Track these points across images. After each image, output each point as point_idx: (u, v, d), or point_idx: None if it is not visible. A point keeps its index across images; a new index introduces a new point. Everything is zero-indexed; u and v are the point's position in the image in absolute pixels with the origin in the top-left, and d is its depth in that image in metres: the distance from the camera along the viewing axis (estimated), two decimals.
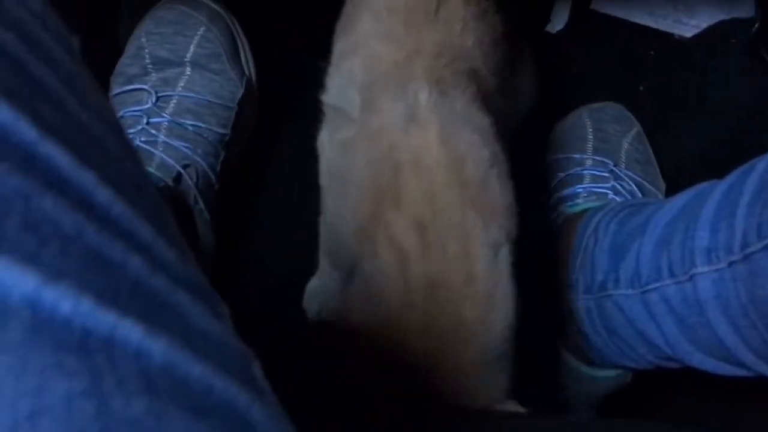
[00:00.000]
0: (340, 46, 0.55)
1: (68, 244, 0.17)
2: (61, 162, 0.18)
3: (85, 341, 0.16)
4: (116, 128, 0.22)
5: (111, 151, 0.21)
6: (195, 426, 0.17)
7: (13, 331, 0.15)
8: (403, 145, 0.47)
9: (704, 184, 0.54)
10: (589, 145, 0.71)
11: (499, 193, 0.48)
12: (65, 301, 0.16)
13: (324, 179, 0.58)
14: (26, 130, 0.18)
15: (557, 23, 0.84)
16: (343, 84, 0.53)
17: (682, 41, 0.84)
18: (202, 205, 0.67)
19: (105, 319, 0.17)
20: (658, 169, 0.73)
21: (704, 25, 0.84)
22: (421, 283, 0.45)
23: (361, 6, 0.53)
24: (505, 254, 0.48)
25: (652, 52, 0.84)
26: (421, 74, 0.49)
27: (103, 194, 0.19)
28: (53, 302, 0.16)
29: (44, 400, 0.15)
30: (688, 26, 0.85)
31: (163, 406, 0.17)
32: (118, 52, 0.71)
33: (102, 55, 0.73)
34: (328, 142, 0.57)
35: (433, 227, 0.45)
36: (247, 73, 0.72)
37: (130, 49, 0.70)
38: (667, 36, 0.84)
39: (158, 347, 0.18)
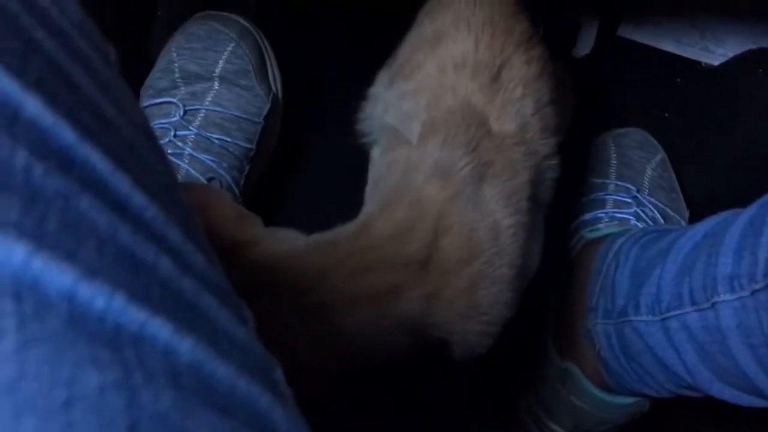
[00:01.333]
0: (402, 86, 0.55)
1: (103, 243, 0.18)
2: (98, 165, 0.19)
3: (117, 336, 0.17)
4: (149, 135, 0.23)
5: (144, 157, 0.22)
6: (220, 424, 0.18)
7: (51, 322, 0.16)
8: (426, 191, 0.49)
9: (728, 212, 0.53)
10: (613, 171, 0.71)
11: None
12: (99, 298, 0.17)
13: (369, 188, 0.60)
14: (67, 134, 0.18)
15: (583, 48, 0.84)
16: (404, 116, 0.54)
17: (708, 69, 0.84)
18: None
19: (136, 317, 0.17)
20: (681, 197, 0.72)
21: (731, 53, 0.84)
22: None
23: (424, 53, 0.54)
24: None
25: (678, 80, 0.83)
26: (464, 139, 0.50)
27: (137, 197, 0.20)
28: (89, 298, 0.17)
29: (78, 390, 0.16)
30: (715, 54, 0.85)
31: (189, 403, 0.17)
32: (149, 65, 0.73)
33: (133, 68, 0.74)
34: (378, 156, 0.58)
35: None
36: (273, 89, 0.73)
37: (160, 62, 0.72)
38: (694, 64, 0.84)
39: (185, 346, 0.18)
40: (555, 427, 0.68)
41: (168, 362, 0.18)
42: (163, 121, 0.68)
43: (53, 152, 0.18)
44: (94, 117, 0.20)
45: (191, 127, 0.67)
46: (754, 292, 0.46)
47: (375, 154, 0.61)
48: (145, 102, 0.70)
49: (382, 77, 0.62)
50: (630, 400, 0.63)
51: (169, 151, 0.66)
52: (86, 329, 0.16)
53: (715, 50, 0.85)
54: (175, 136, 0.67)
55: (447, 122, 0.51)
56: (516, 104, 0.52)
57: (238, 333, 0.21)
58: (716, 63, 0.84)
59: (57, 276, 0.16)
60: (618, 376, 0.60)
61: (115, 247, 0.18)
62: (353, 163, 0.63)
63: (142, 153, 0.22)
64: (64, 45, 0.20)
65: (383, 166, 0.55)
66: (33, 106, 0.18)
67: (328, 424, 0.48)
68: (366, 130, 0.63)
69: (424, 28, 0.57)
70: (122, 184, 0.19)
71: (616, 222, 0.66)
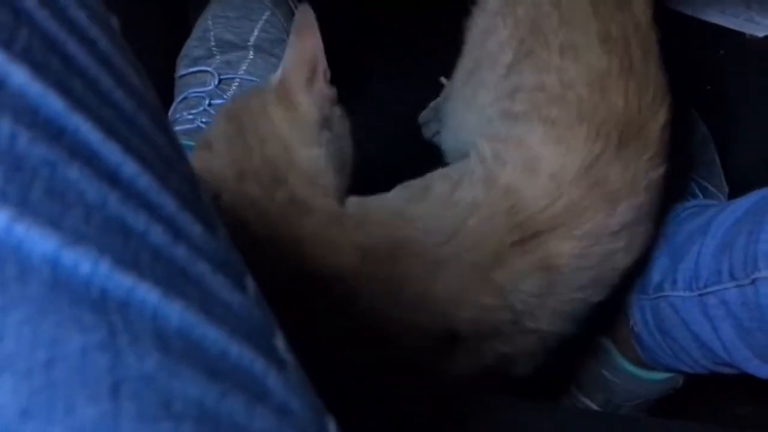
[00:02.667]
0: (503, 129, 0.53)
1: (91, 211, 0.18)
2: (89, 134, 0.19)
3: (103, 300, 0.17)
4: (151, 107, 0.23)
5: (142, 127, 0.22)
6: (207, 386, 0.18)
7: (32, 286, 0.16)
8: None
9: None
10: None
11: None
12: (84, 263, 0.17)
13: None
14: (55, 103, 0.19)
15: None
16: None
17: (753, 41, 0.81)
18: None
19: (123, 282, 0.18)
20: (722, 172, 0.71)
21: None
22: None
23: (524, 106, 0.52)
24: None
25: (721, 51, 0.81)
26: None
27: (129, 166, 0.20)
28: (73, 263, 0.17)
29: (60, 350, 0.16)
30: (760, 26, 0.82)
31: (175, 365, 0.18)
32: (186, 34, 0.73)
33: (171, 37, 0.74)
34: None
35: None
36: None
37: (196, 31, 0.72)
38: (739, 35, 0.82)
39: (175, 310, 0.18)
40: (585, 400, 0.68)
41: (156, 325, 0.18)
42: (198, 89, 0.68)
43: (41, 121, 0.18)
44: (86, 87, 0.20)
45: (225, 96, 0.67)
46: None
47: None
48: (181, 71, 0.70)
49: None
50: (663, 375, 0.62)
51: (203, 120, 0.66)
52: (70, 293, 0.17)
53: (761, 21, 0.82)
54: (209, 104, 0.67)
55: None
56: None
57: (235, 299, 0.21)
58: (761, 35, 0.82)
59: (40, 242, 0.17)
60: (652, 352, 0.60)
61: (103, 215, 0.18)
62: (391, 134, 0.62)
63: (139, 123, 0.22)
64: (56, 15, 0.21)
65: None
66: (19, 76, 0.18)
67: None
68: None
69: None
70: (113, 152, 0.20)
71: None
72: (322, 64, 0.51)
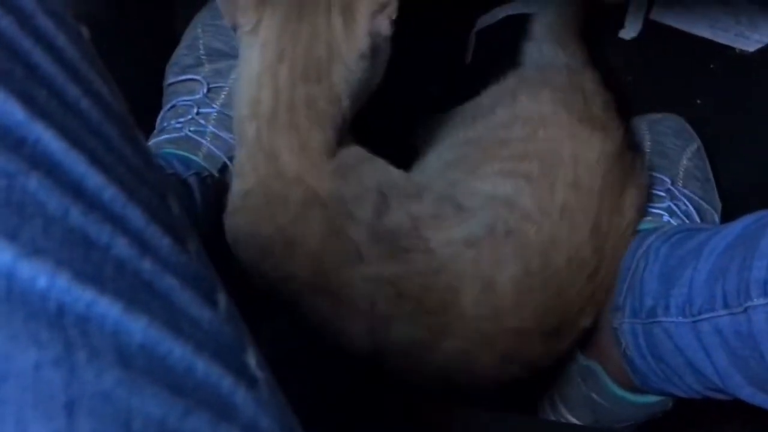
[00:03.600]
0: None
1: (51, 223, 0.18)
2: (51, 145, 0.19)
3: (60, 315, 0.17)
4: (119, 117, 0.23)
5: (109, 138, 0.21)
6: (170, 403, 0.18)
7: None
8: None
9: (764, 212, 0.52)
10: (646, 160, 0.69)
11: None
12: (42, 276, 0.17)
13: None
14: (15, 112, 0.18)
15: (630, 30, 0.82)
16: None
17: (743, 55, 0.82)
18: None
19: (82, 296, 0.17)
20: (715, 188, 0.70)
21: (767, 39, 0.82)
22: None
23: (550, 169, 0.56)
24: None
25: (711, 66, 0.81)
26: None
27: (94, 178, 0.19)
28: (30, 276, 0.17)
29: (12, 366, 0.16)
30: (750, 40, 0.82)
31: (137, 382, 0.17)
32: (176, 42, 0.72)
33: (160, 45, 0.74)
34: None
35: None
36: None
37: (186, 39, 0.71)
38: (728, 50, 0.82)
39: (138, 326, 0.18)
40: (574, 420, 0.67)
41: (117, 341, 0.17)
42: (186, 98, 0.67)
43: (0, 131, 0.18)
44: (51, 96, 0.20)
45: (214, 105, 0.67)
46: None
47: None
48: (170, 79, 0.70)
49: None
50: (653, 399, 0.62)
51: (192, 129, 0.66)
52: (25, 307, 0.16)
53: (751, 36, 0.83)
54: (197, 113, 0.66)
55: None
56: None
57: (204, 315, 0.21)
58: (751, 49, 0.82)
59: None
60: (644, 376, 0.59)
61: (64, 227, 0.18)
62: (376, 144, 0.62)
63: (105, 134, 0.21)
64: (21, 23, 0.20)
65: None
66: None
67: None
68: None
69: None
70: (77, 164, 0.19)
71: (648, 218, 0.64)
72: (393, 4, 0.53)
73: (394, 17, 0.54)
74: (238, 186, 0.56)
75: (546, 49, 0.67)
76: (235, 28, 0.56)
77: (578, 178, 0.55)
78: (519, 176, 0.56)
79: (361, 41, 0.54)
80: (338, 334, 0.53)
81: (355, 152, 0.56)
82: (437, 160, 0.63)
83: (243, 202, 0.55)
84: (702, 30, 0.83)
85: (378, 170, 0.56)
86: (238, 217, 0.56)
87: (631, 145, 0.62)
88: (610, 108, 0.62)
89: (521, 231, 0.54)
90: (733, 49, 0.82)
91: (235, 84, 0.57)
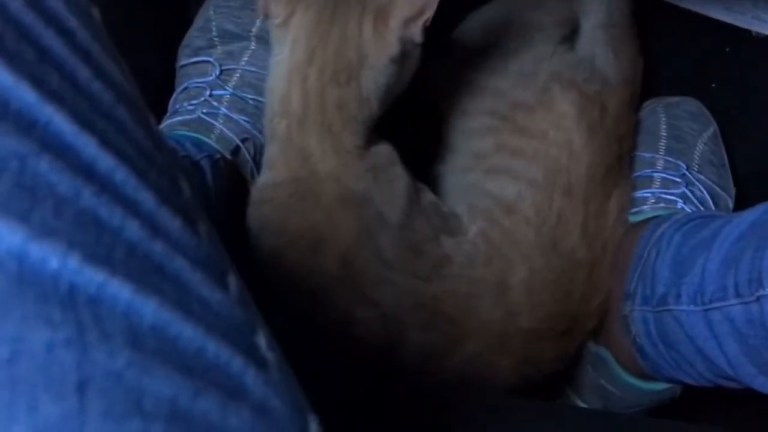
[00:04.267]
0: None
1: (62, 204, 0.18)
2: (62, 127, 0.19)
3: (72, 296, 0.17)
4: (131, 100, 0.23)
5: (120, 120, 0.21)
6: (181, 384, 0.18)
7: None
8: None
9: None
10: (662, 144, 0.69)
11: None
12: (53, 258, 0.17)
13: None
14: (26, 94, 0.18)
15: None
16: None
17: (759, 39, 0.81)
18: None
19: (93, 277, 0.17)
20: (730, 173, 0.70)
21: None
22: None
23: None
24: None
25: (727, 49, 0.80)
26: None
27: (105, 160, 0.19)
28: (41, 257, 0.17)
29: (24, 347, 0.16)
30: (766, 23, 0.81)
31: (147, 362, 0.17)
32: (188, 24, 0.72)
33: (172, 27, 0.74)
34: None
35: None
36: None
37: (198, 21, 0.71)
38: (745, 33, 0.81)
39: (149, 307, 0.18)
40: (584, 405, 0.67)
41: (128, 322, 0.18)
42: (199, 80, 0.67)
43: (11, 113, 0.18)
44: (62, 79, 0.20)
45: (227, 87, 0.67)
46: None
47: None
48: (182, 61, 0.70)
49: None
50: (662, 386, 0.62)
51: (204, 111, 0.66)
52: (37, 288, 0.16)
53: (767, 19, 0.82)
54: (210, 95, 0.66)
55: None
56: None
57: (214, 296, 0.21)
58: (767, 32, 0.81)
59: (7, 235, 0.16)
60: (654, 363, 0.59)
61: (75, 209, 0.18)
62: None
63: (117, 116, 0.21)
64: (32, 5, 0.20)
65: None
66: None
67: None
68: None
69: None
70: (89, 146, 0.19)
71: (662, 204, 0.64)
72: (429, 13, 0.53)
73: (428, 25, 0.53)
74: (267, 177, 0.57)
75: (599, 52, 0.66)
76: (266, 17, 0.56)
77: (571, 186, 0.58)
78: (523, 180, 0.58)
79: (392, 47, 0.53)
80: (356, 331, 0.54)
81: (385, 152, 0.57)
82: (462, 125, 0.65)
83: (272, 193, 0.56)
84: (718, 12, 0.82)
85: (404, 174, 0.57)
86: (265, 208, 0.57)
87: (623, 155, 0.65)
88: (621, 127, 0.64)
89: (523, 234, 0.56)
90: (749, 32, 0.81)
91: (268, 78, 0.58)
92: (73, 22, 0.22)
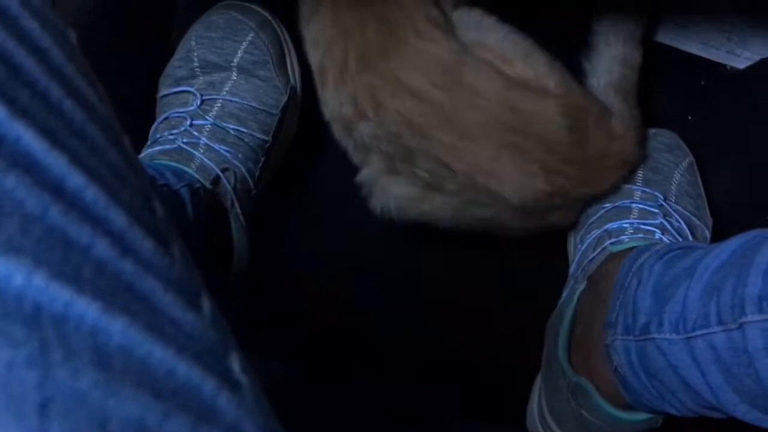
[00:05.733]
0: None
1: (29, 221, 0.18)
2: (32, 144, 0.19)
3: (37, 314, 0.17)
4: (104, 119, 0.23)
5: (92, 139, 0.21)
6: (150, 405, 0.17)
7: None
8: None
9: (757, 231, 0.52)
10: (640, 175, 0.69)
11: None
12: (18, 275, 0.17)
13: None
14: None
15: None
16: None
17: (734, 73, 0.82)
18: (238, 209, 0.67)
19: (59, 295, 0.17)
20: (706, 204, 0.71)
21: (757, 57, 0.82)
22: None
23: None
24: None
25: (703, 82, 0.82)
26: None
27: (75, 178, 0.19)
28: (6, 274, 0.16)
29: None
30: (740, 58, 0.83)
31: (114, 383, 0.17)
32: (169, 54, 0.72)
33: (153, 56, 0.74)
34: None
35: None
36: (292, 81, 0.73)
37: (180, 51, 0.71)
38: (720, 66, 0.82)
39: (117, 327, 0.18)
40: None
41: (95, 342, 0.17)
42: (180, 110, 0.67)
43: None
44: (33, 96, 0.20)
45: (207, 117, 0.67)
46: None
47: None
48: (163, 91, 0.70)
49: None
50: (644, 416, 0.61)
51: (185, 140, 0.66)
52: (0, 305, 0.16)
53: (741, 53, 0.83)
54: (191, 125, 0.66)
55: None
56: None
57: (186, 318, 0.20)
58: (741, 66, 0.83)
59: None
60: (636, 393, 0.59)
61: (42, 226, 0.18)
62: None
63: (89, 135, 0.21)
64: (5, 25, 0.20)
65: None
66: None
67: None
68: None
69: None
70: (58, 163, 0.19)
71: (640, 234, 0.64)
72: None
73: None
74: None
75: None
76: None
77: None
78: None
79: None
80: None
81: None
82: None
83: None
84: (693, 47, 0.83)
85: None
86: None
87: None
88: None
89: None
90: (724, 66, 0.83)
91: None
92: (47, 41, 0.22)
